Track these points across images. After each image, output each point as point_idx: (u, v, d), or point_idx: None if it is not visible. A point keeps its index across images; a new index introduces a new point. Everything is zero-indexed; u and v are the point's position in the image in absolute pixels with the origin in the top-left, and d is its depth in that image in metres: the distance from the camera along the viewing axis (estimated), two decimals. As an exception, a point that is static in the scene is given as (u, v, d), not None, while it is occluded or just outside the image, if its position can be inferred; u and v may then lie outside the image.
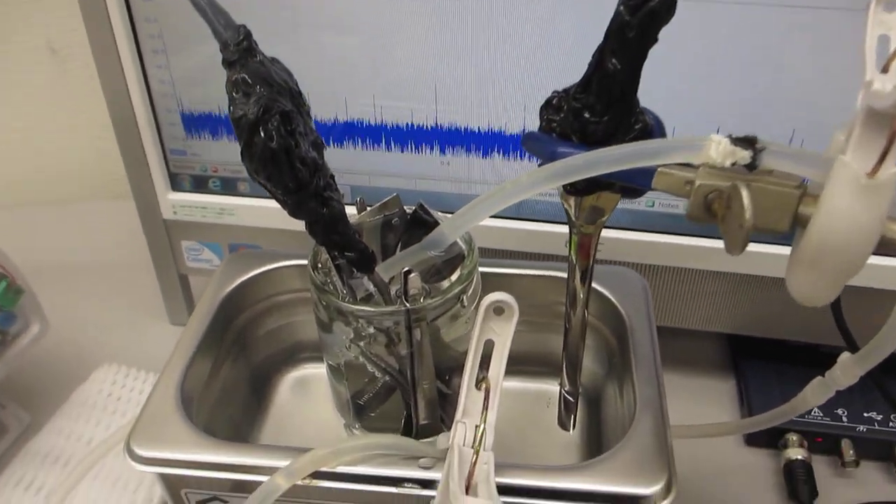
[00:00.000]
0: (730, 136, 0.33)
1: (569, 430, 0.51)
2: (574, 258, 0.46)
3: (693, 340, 0.75)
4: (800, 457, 0.63)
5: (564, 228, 0.65)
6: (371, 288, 0.44)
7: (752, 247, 0.62)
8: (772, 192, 0.32)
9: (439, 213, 0.45)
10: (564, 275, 0.52)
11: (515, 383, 0.55)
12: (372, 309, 0.41)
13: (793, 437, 0.65)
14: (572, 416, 0.50)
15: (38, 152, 1.02)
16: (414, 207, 0.45)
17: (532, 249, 0.64)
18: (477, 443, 0.36)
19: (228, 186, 0.67)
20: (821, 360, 0.72)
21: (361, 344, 0.42)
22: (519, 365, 0.51)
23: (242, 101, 0.34)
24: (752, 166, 0.33)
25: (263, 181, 0.36)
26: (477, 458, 0.35)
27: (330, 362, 0.47)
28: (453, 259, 0.43)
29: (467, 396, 0.39)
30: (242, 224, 0.68)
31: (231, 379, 0.52)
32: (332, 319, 0.43)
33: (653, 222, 0.63)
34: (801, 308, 0.67)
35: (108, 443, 0.55)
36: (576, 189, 0.42)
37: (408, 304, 0.39)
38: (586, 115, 0.35)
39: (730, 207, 0.34)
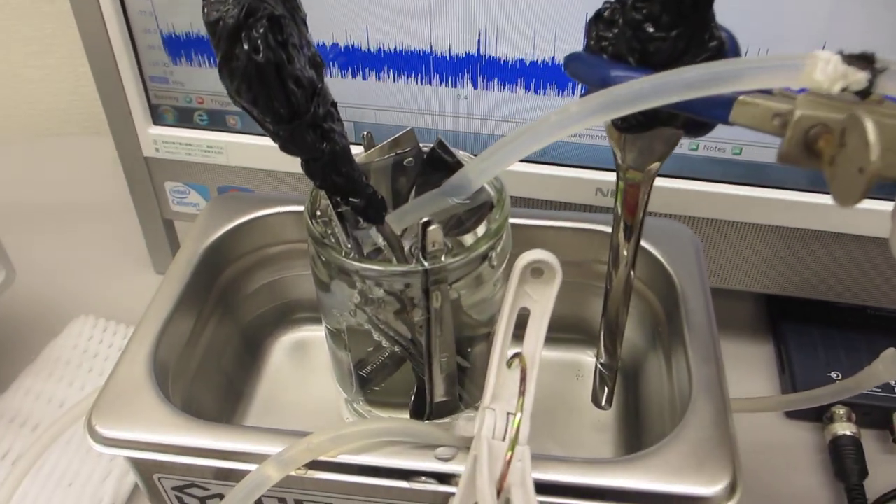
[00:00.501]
0: (841, 53, 0.25)
1: (604, 408, 0.44)
2: (619, 210, 0.39)
3: (727, 300, 0.68)
4: (848, 432, 0.57)
5: (596, 175, 0.59)
6: (380, 242, 0.37)
7: (802, 197, 0.56)
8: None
9: (462, 153, 0.38)
10: (606, 228, 0.45)
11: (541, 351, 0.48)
12: (381, 268, 0.34)
13: (839, 411, 0.58)
14: (609, 393, 0.44)
15: (4, 82, 0.93)
16: (431, 145, 0.38)
17: (557, 198, 0.57)
18: (511, 436, 0.29)
19: (216, 121, 0.60)
20: (869, 322, 0.66)
21: (368, 309, 0.35)
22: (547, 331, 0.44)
23: (219, 1, 0.26)
24: (865, 93, 0.26)
25: (247, 105, 0.29)
26: (512, 454, 0.28)
27: (329, 327, 0.40)
28: (479, 208, 0.36)
29: (497, 377, 0.32)
30: (232, 164, 0.61)
31: (215, 344, 0.45)
32: (332, 278, 0.36)
33: (694, 168, 0.55)
34: (850, 266, 0.61)
35: (83, 406, 0.48)
36: (629, 125, 0.35)
37: (425, 263, 0.32)
38: (649, 28, 0.29)
39: (844, 145, 0.27)
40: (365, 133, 0.37)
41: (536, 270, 0.32)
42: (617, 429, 0.46)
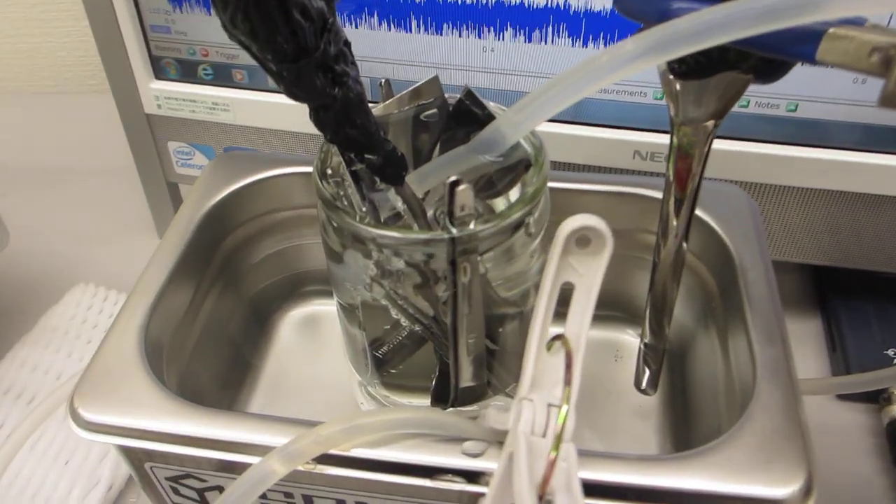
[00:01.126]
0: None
1: (647, 393, 0.40)
2: (672, 172, 0.34)
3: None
4: (907, 414, 0.52)
5: (634, 136, 0.54)
6: (399, 206, 0.32)
7: (860, 158, 0.51)
8: None
9: (493, 105, 0.33)
10: (655, 193, 0.40)
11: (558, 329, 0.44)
12: (401, 235, 0.29)
13: (896, 391, 0.54)
14: (654, 376, 0.39)
15: (2, 39, 0.88)
16: (458, 96, 0.33)
17: (590, 162, 0.52)
18: (556, 432, 0.25)
19: (222, 75, 0.55)
20: (927, 296, 0.61)
21: (385, 283, 0.30)
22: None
23: None
24: None
25: (245, 39, 0.24)
26: (556, 455, 0.24)
27: (342, 301, 0.35)
28: (513, 168, 0.31)
29: (536, 363, 0.27)
30: (239, 123, 0.56)
31: (215, 320, 0.41)
32: (345, 248, 0.31)
33: (740, 127, 0.50)
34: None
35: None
36: (688, 68, 0.30)
37: (453, 230, 0.28)
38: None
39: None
40: (382, 81, 0.33)
41: (583, 239, 0.28)
42: (662, 415, 0.42)
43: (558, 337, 0.28)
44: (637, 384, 0.40)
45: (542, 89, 0.28)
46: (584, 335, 0.28)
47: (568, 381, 0.25)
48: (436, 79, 0.33)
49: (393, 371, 0.37)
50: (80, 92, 0.87)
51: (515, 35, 0.49)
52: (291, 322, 0.47)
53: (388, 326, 0.36)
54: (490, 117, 0.32)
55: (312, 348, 0.45)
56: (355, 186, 0.31)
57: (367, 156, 0.30)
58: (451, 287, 0.29)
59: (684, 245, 0.36)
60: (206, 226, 0.40)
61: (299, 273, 0.47)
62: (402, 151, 0.31)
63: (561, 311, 0.28)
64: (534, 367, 0.27)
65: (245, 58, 0.55)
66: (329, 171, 0.31)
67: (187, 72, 0.56)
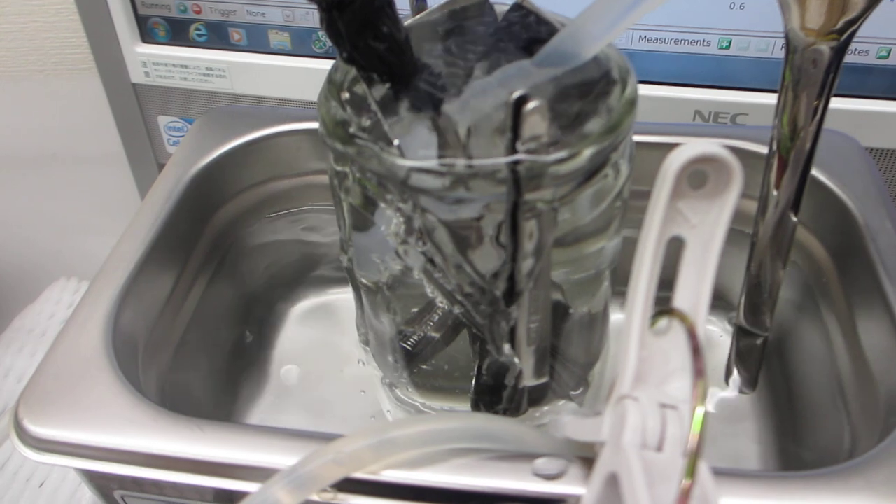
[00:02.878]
0: None
1: (744, 391, 0.32)
2: (785, 114, 0.27)
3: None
4: None
5: (694, 93, 0.46)
6: (427, 151, 0.24)
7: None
8: None
9: (554, 14, 0.25)
10: (751, 147, 0.33)
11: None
12: (449, 169, 0.21)
13: None
14: (752, 372, 0.31)
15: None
16: (513, 2, 0.25)
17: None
18: (690, 447, 0.17)
19: (217, 35, 0.48)
20: None
21: (419, 246, 0.23)
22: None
23: None
24: None
25: None
26: (692, 481, 0.16)
27: (365, 281, 0.28)
28: (588, 87, 0.23)
29: (640, 348, 0.20)
30: (237, 91, 0.49)
31: (206, 311, 0.33)
32: (369, 204, 0.24)
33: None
34: None
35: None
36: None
37: (522, 155, 0.20)
38: None
39: None
40: (414, -13, 0.25)
41: (697, 176, 0.20)
42: (759, 417, 0.34)
43: (666, 312, 0.20)
44: (727, 379, 0.32)
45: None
46: (703, 309, 0.20)
47: (699, 371, 0.18)
48: (482, -15, 0.25)
49: (425, 367, 0.29)
50: (59, 71, 0.79)
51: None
52: (299, 313, 0.39)
53: (417, 310, 0.28)
54: (552, 29, 0.25)
55: (326, 345, 0.38)
56: (380, 114, 0.23)
57: (395, 76, 0.22)
58: (509, 247, 0.22)
59: (792, 213, 0.28)
60: (192, 195, 0.33)
61: (308, 253, 0.39)
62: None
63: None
64: (637, 354, 0.20)
65: (243, 15, 0.48)
66: (345, 93, 0.23)
67: (178, 33, 0.49)
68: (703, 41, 0.43)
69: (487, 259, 0.22)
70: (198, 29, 0.49)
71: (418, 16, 0.25)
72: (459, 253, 0.23)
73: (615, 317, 0.31)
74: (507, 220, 0.21)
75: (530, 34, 0.25)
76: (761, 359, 0.31)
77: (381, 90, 0.23)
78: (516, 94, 0.19)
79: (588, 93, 0.23)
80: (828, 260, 0.31)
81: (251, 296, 0.37)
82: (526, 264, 0.22)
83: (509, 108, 0.20)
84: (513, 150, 0.20)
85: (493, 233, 0.22)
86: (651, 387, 0.20)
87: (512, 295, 0.23)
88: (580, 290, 0.27)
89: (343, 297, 0.39)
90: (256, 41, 0.48)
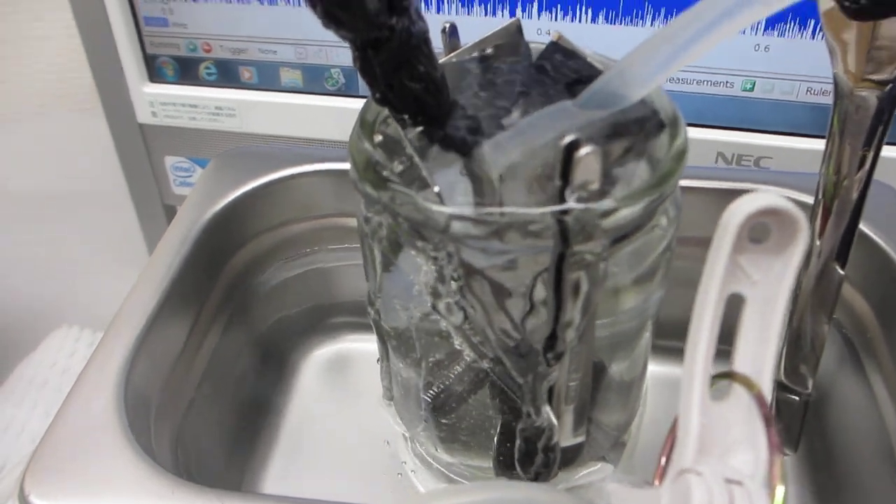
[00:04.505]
0: None
1: (785, 453, 0.30)
2: (831, 162, 0.26)
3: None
4: None
5: (716, 135, 0.45)
6: (461, 188, 0.23)
7: None
8: None
9: (592, 52, 0.24)
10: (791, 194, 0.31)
11: (658, 367, 0.34)
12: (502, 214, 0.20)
13: None
14: (794, 432, 0.30)
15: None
16: (549, 41, 0.24)
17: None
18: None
19: (228, 74, 0.47)
20: None
21: (462, 299, 0.21)
22: (667, 338, 0.29)
23: None
24: None
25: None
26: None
27: (388, 327, 0.26)
28: (634, 129, 0.22)
29: (700, 415, 0.18)
30: (248, 130, 0.48)
31: (219, 362, 0.32)
32: (397, 248, 0.22)
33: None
34: None
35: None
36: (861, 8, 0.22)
37: (572, 204, 0.18)
38: None
39: None
40: (446, 25, 0.24)
41: (759, 231, 0.19)
42: (797, 479, 0.32)
43: (726, 375, 0.19)
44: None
45: (678, 25, 0.20)
46: (769, 373, 0.19)
47: (774, 445, 0.16)
48: (516, 22, 0.24)
49: (444, 421, 0.28)
50: (64, 110, 0.79)
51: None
52: (315, 364, 0.37)
53: (438, 357, 0.27)
54: (592, 69, 0.23)
55: (344, 397, 0.36)
56: (415, 154, 0.22)
57: (431, 117, 0.21)
58: (553, 302, 0.20)
59: (838, 266, 0.27)
60: (206, 241, 0.31)
61: (325, 300, 0.37)
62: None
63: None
64: (698, 423, 0.18)
65: (254, 53, 0.47)
66: (379, 133, 0.22)
67: (187, 72, 0.48)
68: (727, 83, 0.43)
69: (529, 314, 0.21)
70: (207, 68, 0.48)
71: (452, 54, 0.24)
72: (499, 307, 0.21)
73: (654, 368, 0.29)
74: (552, 273, 0.20)
75: (569, 74, 0.24)
76: (803, 419, 0.29)
77: (414, 132, 0.22)
78: (568, 139, 0.18)
79: (636, 135, 0.22)
80: (871, 315, 0.30)
81: (265, 346, 0.36)
82: (571, 320, 0.21)
83: (559, 152, 0.18)
84: (561, 199, 0.19)
85: (536, 285, 0.20)
86: (714, 459, 0.18)
87: (554, 353, 0.21)
88: (620, 345, 0.25)
89: (359, 345, 0.38)
90: (267, 79, 0.47)
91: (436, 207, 0.19)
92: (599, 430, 0.27)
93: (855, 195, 0.26)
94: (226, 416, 0.32)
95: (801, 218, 0.18)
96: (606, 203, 0.19)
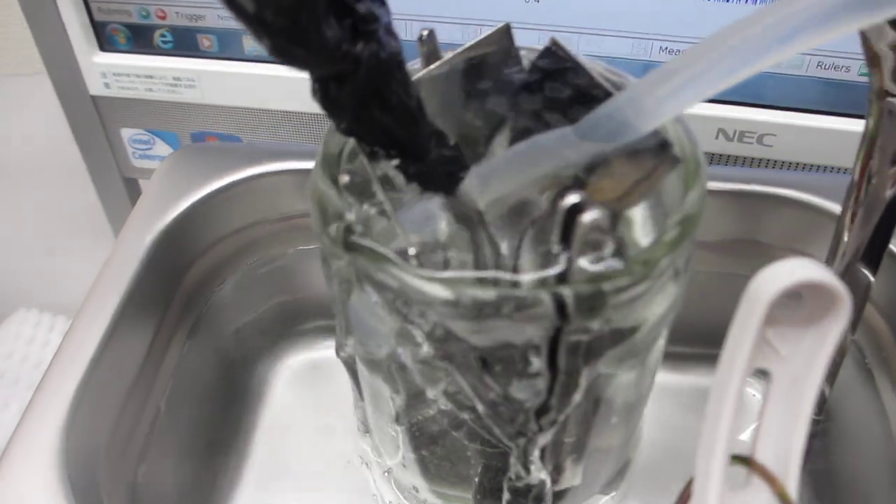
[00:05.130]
0: None
1: None
2: (858, 161, 0.23)
3: None
4: None
5: (718, 110, 0.42)
6: (442, 232, 0.20)
7: None
8: None
9: (593, 63, 0.21)
10: (802, 197, 0.29)
11: (665, 375, 0.32)
12: (487, 294, 0.17)
13: None
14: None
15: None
16: (545, 46, 0.21)
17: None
18: None
19: (185, 42, 0.43)
20: None
21: (442, 364, 0.19)
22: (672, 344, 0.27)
23: None
24: None
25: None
26: None
27: (361, 364, 0.24)
28: (641, 165, 0.19)
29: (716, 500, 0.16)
30: (209, 102, 0.44)
31: (179, 389, 0.29)
32: (361, 298, 0.19)
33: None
34: None
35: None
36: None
37: (568, 289, 0.16)
38: None
39: None
40: (423, 33, 0.20)
41: (789, 297, 0.16)
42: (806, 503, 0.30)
43: (744, 460, 0.17)
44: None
45: (704, 49, 0.17)
46: (795, 465, 0.16)
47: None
48: (506, 30, 0.21)
49: (424, 452, 0.25)
50: (16, 74, 0.73)
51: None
52: (285, 376, 0.34)
53: (414, 392, 0.24)
54: (592, 83, 0.20)
55: (314, 410, 0.33)
56: (387, 202, 0.19)
57: (408, 154, 0.18)
58: (547, 375, 0.18)
59: (867, 271, 0.24)
60: (162, 249, 0.28)
61: (295, 306, 0.34)
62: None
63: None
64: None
65: (213, 19, 0.43)
66: (347, 175, 0.19)
67: (140, 40, 0.44)
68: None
69: (521, 387, 0.18)
70: (163, 35, 0.44)
71: (431, 67, 0.21)
72: (483, 375, 0.18)
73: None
74: (545, 349, 0.17)
75: (565, 87, 0.21)
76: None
77: (387, 166, 0.19)
78: (571, 199, 0.15)
79: (647, 177, 0.19)
80: (888, 331, 0.28)
81: (230, 362, 0.33)
82: (569, 391, 0.18)
83: (558, 214, 0.15)
84: (566, 249, 0.16)
85: (529, 357, 0.18)
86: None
87: (548, 419, 0.19)
88: (623, 387, 0.23)
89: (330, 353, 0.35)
90: (229, 47, 0.43)
91: (422, 285, 0.16)
92: (596, 469, 0.25)
93: (888, 193, 0.24)
94: (189, 447, 0.30)
95: (843, 293, 0.15)
96: (615, 280, 0.16)
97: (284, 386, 0.33)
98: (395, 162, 0.18)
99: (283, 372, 0.34)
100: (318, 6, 0.15)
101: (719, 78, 0.17)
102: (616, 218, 0.18)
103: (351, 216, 0.17)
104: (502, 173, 0.20)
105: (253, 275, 0.32)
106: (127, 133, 0.48)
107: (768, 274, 0.16)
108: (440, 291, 0.16)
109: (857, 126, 0.38)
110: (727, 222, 0.30)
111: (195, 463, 0.30)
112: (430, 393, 0.19)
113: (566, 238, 0.16)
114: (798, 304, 0.16)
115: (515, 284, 0.17)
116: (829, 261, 0.25)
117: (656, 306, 0.18)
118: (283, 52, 0.15)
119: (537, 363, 0.17)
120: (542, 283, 0.15)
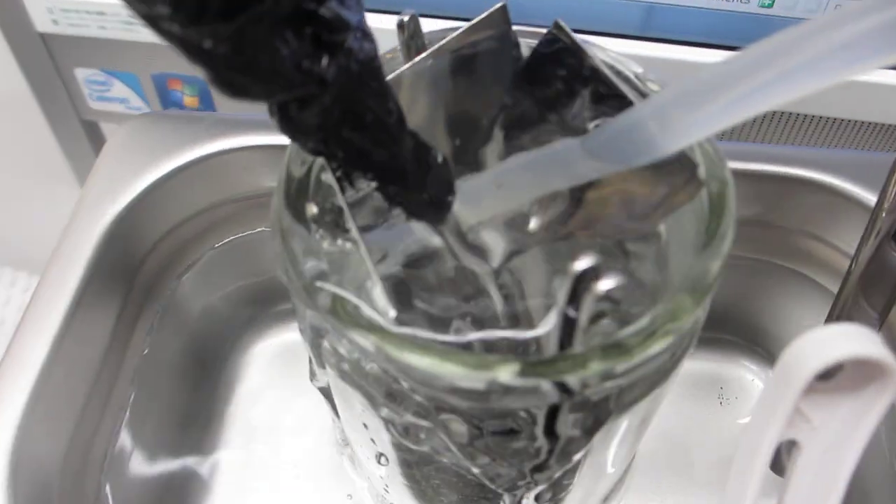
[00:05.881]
0: None
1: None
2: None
3: None
4: None
5: (721, 56, 0.38)
6: (426, 241, 0.17)
7: None
8: None
9: (603, 51, 0.18)
10: (802, 172, 0.26)
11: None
12: (466, 371, 0.14)
13: None
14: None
15: None
16: (547, 30, 0.18)
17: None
18: None
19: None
20: None
21: (426, 436, 0.16)
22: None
23: None
24: None
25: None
26: None
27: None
28: (653, 180, 0.16)
29: None
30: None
31: (144, 385, 0.27)
32: (341, 367, 0.17)
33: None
34: None
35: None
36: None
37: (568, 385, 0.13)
38: None
39: None
40: (403, 19, 0.17)
41: (826, 373, 0.14)
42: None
43: (767, 537, 0.15)
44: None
45: (747, 57, 0.14)
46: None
47: None
48: (503, 10, 0.18)
49: (409, 480, 0.23)
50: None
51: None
52: (259, 362, 0.32)
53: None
54: (600, 76, 0.17)
55: (291, 396, 0.31)
56: (359, 235, 0.16)
57: (386, 178, 0.15)
58: (545, 444, 0.15)
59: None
60: (117, 236, 0.25)
61: (265, 287, 0.31)
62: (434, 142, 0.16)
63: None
64: None
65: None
66: (317, 204, 0.16)
67: (90, -30, 0.40)
68: (731, -12, 0.36)
69: (516, 452, 0.16)
70: (115, -36, 0.39)
71: (414, 60, 0.17)
72: (477, 441, 0.16)
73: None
74: (543, 423, 0.15)
75: (569, 80, 0.18)
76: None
77: (357, 191, 0.16)
78: (582, 264, 0.13)
79: (664, 204, 0.16)
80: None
81: (199, 346, 0.30)
82: (568, 453, 0.16)
83: (568, 279, 0.13)
84: (567, 335, 0.14)
85: (526, 424, 0.16)
86: None
87: (544, 476, 0.17)
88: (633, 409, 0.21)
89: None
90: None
91: (405, 357, 0.14)
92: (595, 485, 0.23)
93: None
94: (162, 431, 0.27)
95: (889, 365, 0.13)
96: (627, 360, 0.14)
97: (257, 371, 0.31)
98: (374, 185, 0.16)
99: (255, 357, 0.31)
100: (269, 16, 0.12)
101: (774, 94, 0.14)
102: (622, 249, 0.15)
103: (320, 264, 0.14)
104: (497, 191, 0.17)
105: (220, 257, 0.29)
106: (82, 73, 0.44)
107: (808, 344, 0.13)
108: (428, 365, 0.13)
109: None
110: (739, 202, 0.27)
111: (168, 451, 0.28)
112: (416, 446, 0.17)
113: (574, 302, 0.13)
114: (837, 371, 0.14)
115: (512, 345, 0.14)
116: (862, 243, 0.22)
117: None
118: (230, 87, 0.12)
119: (535, 430, 0.15)
120: (539, 364, 0.13)
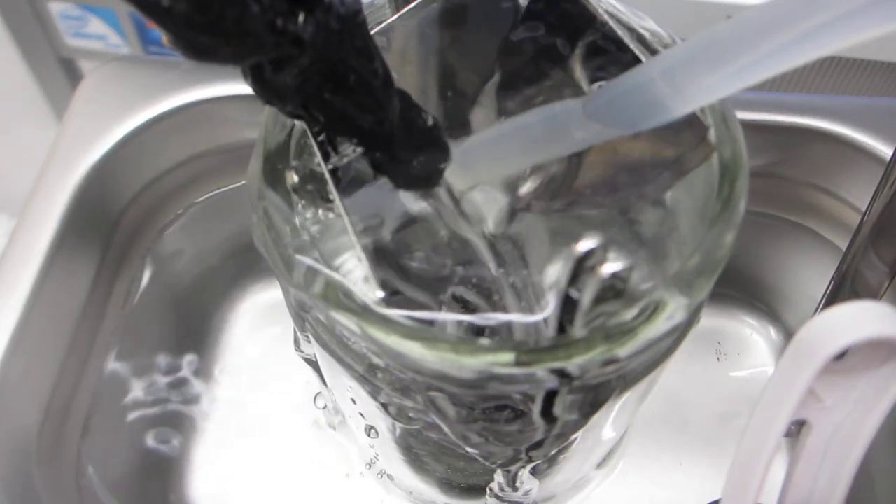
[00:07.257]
0: None
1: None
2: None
3: None
4: None
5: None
6: (413, 209, 0.16)
7: None
8: None
9: (630, 11, 0.16)
10: (842, 131, 0.25)
11: None
12: (476, 361, 0.13)
13: None
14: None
15: None
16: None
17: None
18: None
19: None
20: None
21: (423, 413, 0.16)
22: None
23: None
24: None
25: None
26: None
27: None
28: (660, 141, 0.15)
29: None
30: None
31: (124, 347, 0.26)
32: (327, 343, 0.16)
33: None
34: None
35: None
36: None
37: (568, 367, 0.12)
38: None
39: None
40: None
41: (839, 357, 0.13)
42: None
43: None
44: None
45: (769, 12, 0.13)
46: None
47: None
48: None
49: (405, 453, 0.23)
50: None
51: None
52: (245, 324, 0.30)
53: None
54: (603, 31, 0.16)
55: (279, 348, 0.30)
56: (344, 210, 0.15)
57: (372, 145, 0.14)
58: (541, 426, 0.15)
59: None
60: (90, 192, 0.24)
61: (244, 245, 0.30)
62: (420, 96, 0.15)
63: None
64: None
65: None
66: (296, 174, 0.15)
67: None
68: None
69: (511, 433, 0.15)
70: None
71: (402, 11, 0.16)
72: (471, 423, 0.15)
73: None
74: (541, 406, 0.14)
75: (570, 33, 0.17)
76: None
77: (342, 158, 0.15)
78: (585, 245, 0.12)
79: (671, 167, 0.15)
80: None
81: (184, 305, 0.29)
82: (565, 433, 0.15)
83: (570, 261, 0.12)
84: (561, 325, 0.13)
85: (522, 408, 0.15)
86: None
87: (539, 452, 0.16)
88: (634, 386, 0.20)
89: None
90: None
91: (395, 343, 0.13)
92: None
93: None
94: (139, 404, 0.27)
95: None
96: (631, 344, 0.13)
97: (244, 332, 0.30)
98: (359, 150, 0.15)
99: (241, 319, 0.30)
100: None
101: (798, 54, 0.13)
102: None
103: (300, 236, 0.13)
104: (490, 155, 0.16)
105: (203, 211, 0.28)
106: (56, 8, 0.42)
107: (824, 324, 0.12)
108: (416, 351, 0.12)
109: None
110: (767, 156, 0.26)
111: (151, 421, 0.27)
112: (407, 425, 0.16)
113: (575, 283, 0.12)
114: (852, 350, 0.13)
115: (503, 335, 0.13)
116: (877, 193, 0.22)
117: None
118: (195, 49, 0.11)
119: (532, 414, 0.14)
120: (537, 351, 0.12)
